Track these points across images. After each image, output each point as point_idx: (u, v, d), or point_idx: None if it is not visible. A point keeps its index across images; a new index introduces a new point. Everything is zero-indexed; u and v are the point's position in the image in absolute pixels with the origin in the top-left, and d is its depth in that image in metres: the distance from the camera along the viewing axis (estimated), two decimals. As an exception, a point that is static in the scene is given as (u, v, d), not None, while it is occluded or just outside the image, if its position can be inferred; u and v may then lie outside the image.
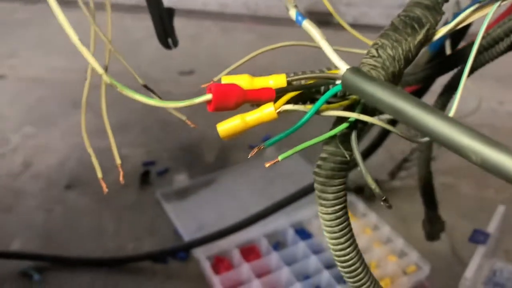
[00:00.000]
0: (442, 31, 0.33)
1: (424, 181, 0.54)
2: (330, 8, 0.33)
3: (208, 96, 0.22)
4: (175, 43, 0.55)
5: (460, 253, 0.99)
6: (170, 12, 0.54)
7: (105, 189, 0.32)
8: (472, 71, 0.43)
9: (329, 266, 0.89)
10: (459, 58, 0.45)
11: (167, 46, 0.55)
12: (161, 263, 0.96)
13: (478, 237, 0.82)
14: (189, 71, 1.66)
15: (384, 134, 0.87)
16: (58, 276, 0.94)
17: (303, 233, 0.99)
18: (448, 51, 0.67)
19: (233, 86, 0.23)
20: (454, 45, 0.70)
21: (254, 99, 0.24)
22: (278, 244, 0.98)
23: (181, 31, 0.78)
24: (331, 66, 0.32)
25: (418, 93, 0.60)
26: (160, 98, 0.34)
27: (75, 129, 1.33)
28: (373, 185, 0.28)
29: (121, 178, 0.31)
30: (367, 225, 1.01)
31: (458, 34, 0.69)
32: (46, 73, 1.63)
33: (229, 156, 1.26)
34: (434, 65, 0.49)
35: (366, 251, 0.93)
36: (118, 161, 0.31)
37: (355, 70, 0.24)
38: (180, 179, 1.13)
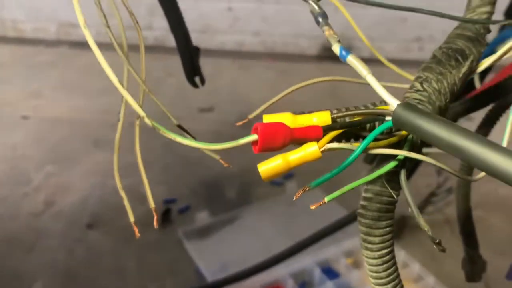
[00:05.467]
0: (485, 63, 0.32)
1: (463, 218, 0.52)
2: (367, 43, 0.33)
3: (254, 137, 0.21)
4: (202, 82, 0.55)
5: (496, 292, 0.94)
6: (196, 51, 0.54)
7: (137, 234, 0.31)
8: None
9: (359, 307, 0.85)
10: (497, 93, 0.44)
11: (194, 84, 0.55)
12: (184, 305, 0.94)
13: (516, 275, 0.78)
14: (209, 108, 1.67)
15: (410, 171, 0.84)
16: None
17: (330, 272, 0.96)
18: (477, 84, 0.66)
19: (280, 125, 0.22)
20: (482, 76, 0.68)
21: (301, 138, 0.23)
22: (304, 284, 0.95)
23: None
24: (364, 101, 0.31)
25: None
26: (194, 138, 0.34)
27: (96, 168, 1.34)
28: (426, 228, 0.26)
29: (155, 223, 0.30)
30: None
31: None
32: (68, 114, 1.65)
33: (250, 192, 1.24)
34: (469, 100, 0.47)
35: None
36: (152, 204, 0.29)
37: (408, 105, 0.22)
38: (201, 217, 1.12)
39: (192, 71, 0.53)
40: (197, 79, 0.54)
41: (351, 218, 0.95)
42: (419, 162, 0.85)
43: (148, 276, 1.00)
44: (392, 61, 0.38)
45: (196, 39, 0.60)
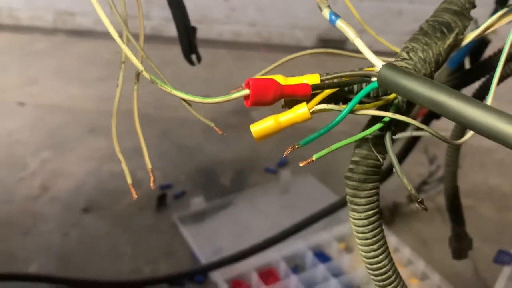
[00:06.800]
0: (470, 36, 0.33)
1: (450, 195, 0.54)
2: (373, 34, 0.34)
3: (246, 91, 0.23)
4: (199, 59, 0.57)
5: (483, 276, 0.96)
6: (193, 30, 0.55)
7: (135, 195, 0.32)
8: (500, 80, 0.43)
9: (350, 289, 0.87)
10: (482, 70, 0.45)
11: (191, 62, 0.56)
12: (178, 286, 0.95)
13: (503, 258, 0.80)
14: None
15: (402, 156, 0.86)
16: (75, 300, 0.93)
17: (322, 256, 0.98)
18: (467, 67, 0.67)
19: (270, 80, 0.23)
20: (472, 63, 0.70)
21: (291, 94, 0.24)
22: (297, 267, 0.96)
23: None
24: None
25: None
26: (190, 105, 0.35)
27: (92, 154, 1.35)
28: (409, 187, 0.27)
29: (151, 184, 0.31)
30: (387, 247, 0.99)
31: (477, 52, 0.69)
32: (64, 101, 1.65)
33: (245, 179, 1.26)
34: (457, 77, 0.49)
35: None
36: (148, 165, 0.31)
37: (391, 66, 0.24)
38: (196, 202, 1.13)
39: (189, 48, 0.54)
40: (193, 57, 0.56)
41: (342, 203, 0.97)
42: (411, 147, 0.86)
43: (143, 259, 1.02)
44: (387, 53, 0.39)
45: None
